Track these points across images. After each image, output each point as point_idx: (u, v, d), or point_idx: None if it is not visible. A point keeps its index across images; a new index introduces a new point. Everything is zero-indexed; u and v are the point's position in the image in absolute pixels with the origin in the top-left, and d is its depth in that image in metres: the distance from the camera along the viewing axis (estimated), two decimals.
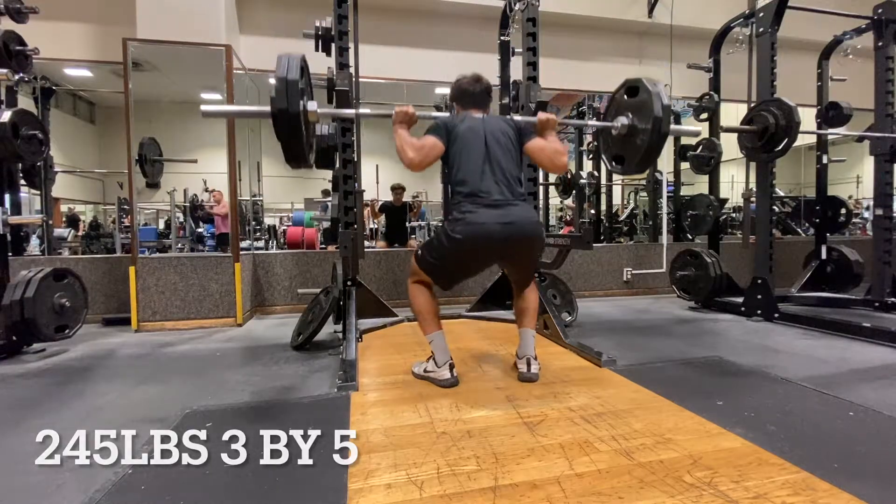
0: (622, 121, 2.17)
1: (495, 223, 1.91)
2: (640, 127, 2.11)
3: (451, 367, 2.07)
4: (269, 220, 6.69)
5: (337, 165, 3.19)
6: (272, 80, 1.77)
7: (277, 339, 3.26)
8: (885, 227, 3.84)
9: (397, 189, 5.68)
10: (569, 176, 6.42)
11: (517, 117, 2.21)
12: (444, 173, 2.17)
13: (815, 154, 4.38)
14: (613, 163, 2.34)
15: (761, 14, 3.68)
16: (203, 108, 1.90)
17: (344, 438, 1.58)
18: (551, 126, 2.13)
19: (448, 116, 2.13)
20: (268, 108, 1.74)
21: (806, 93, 4.29)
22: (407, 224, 5.78)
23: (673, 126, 2.11)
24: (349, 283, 3.06)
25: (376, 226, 6.33)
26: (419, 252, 2.12)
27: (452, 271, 2.10)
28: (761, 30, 3.66)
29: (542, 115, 2.14)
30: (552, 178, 7.10)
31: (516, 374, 2.16)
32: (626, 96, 2.20)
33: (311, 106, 1.91)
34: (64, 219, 6.16)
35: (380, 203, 5.77)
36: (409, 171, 2.14)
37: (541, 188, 6.26)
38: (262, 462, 1.45)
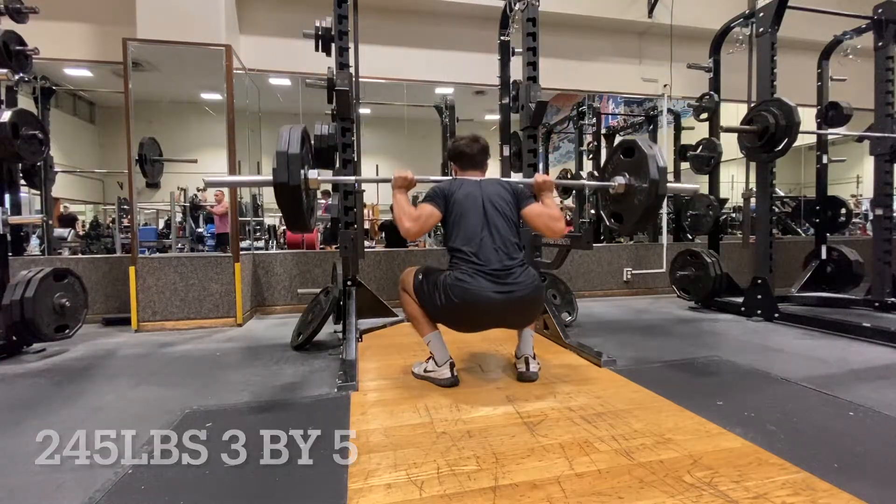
0: (619, 180, 2.20)
1: (494, 292, 1.92)
2: (637, 186, 2.14)
3: (452, 366, 2.08)
4: (269, 220, 6.68)
5: (337, 165, 3.20)
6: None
7: (277, 339, 3.26)
8: (885, 227, 3.84)
9: None
10: (569, 176, 6.41)
11: (514, 179, 2.24)
12: (443, 235, 2.18)
13: (815, 154, 4.37)
14: (612, 220, 2.37)
15: (761, 14, 3.68)
16: (205, 179, 1.99)
17: (344, 438, 1.58)
18: (548, 188, 2.15)
19: (445, 183, 2.13)
20: (270, 178, 1.79)
21: (806, 93, 4.29)
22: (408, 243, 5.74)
23: (670, 185, 2.14)
24: (349, 283, 3.06)
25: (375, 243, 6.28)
26: (419, 278, 2.10)
27: (446, 322, 2.08)
28: (761, 30, 3.65)
29: (538, 178, 2.16)
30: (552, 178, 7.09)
31: (516, 374, 2.16)
32: (622, 156, 2.23)
33: (312, 174, 1.95)
34: (56, 218, 6.12)
35: (380, 222, 5.74)
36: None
37: None
38: (262, 462, 1.45)
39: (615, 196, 2.26)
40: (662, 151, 2.15)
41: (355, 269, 3.12)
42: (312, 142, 3.20)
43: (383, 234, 5.77)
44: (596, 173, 6.27)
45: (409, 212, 2.00)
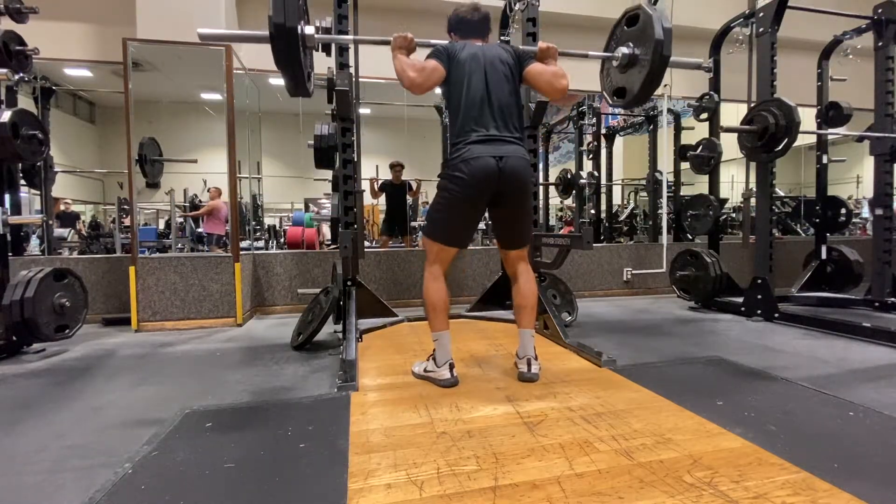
0: (622, 51, 2.13)
1: (489, 156, 1.92)
2: (641, 54, 2.07)
3: (451, 366, 2.07)
4: (269, 220, 6.69)
5: (337, 165, 3.20)
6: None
7: (277, 339, 3.26)
8: (885, 227, 3.84)
9: (396, 167, 5.53)
10: (569, 176, 6.42)
11: (518, 46, 2.18)
12: (446, 104, 2.15)
13: (815, 154, 4.38)
14: (614, 97, 2.29)
15: (761, 14, 3.68)
16: (199, 31, 1.88)
17: (344, 438, 1.58)
18: (552, 54, 2.10)
19: (448, 43, 2.09)
20: (266, 33, 1.72)
21: (806, 93, 4.29)
22: (408, 206, 5.66)
23: (673, 59, 2.05)
24: (349, 283, 3.06)
25: (376, 202, 6.20)
26: (426, 223, 2.11)
27: (458, 221, 2.05)
28: (761, 30, 3.66)
29: (542, 44, 2.12)
30: (552, 178, 7.11)
31: (516, 374, 2.16)
32: (626, 26, 2.15)
33: (309, 30, 1.88)
34: (56, 216, 6.09)
35: (380, 182, 5.65)
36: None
37: (541, 188, 6.27)
38: (261, 462, 1.45)
39: (618, 69, 2.20)
40: (667, 13, 2.06)
41: (355, 269, 3.12)
42: (312, 143, 3.21)
43: (383, 196, 5.65)
44: (596, 173, 6.29)
45: (414, 63, 1.96)
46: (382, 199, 5.69)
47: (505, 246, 2.20)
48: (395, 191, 5.54)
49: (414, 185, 5.69)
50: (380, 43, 2.11)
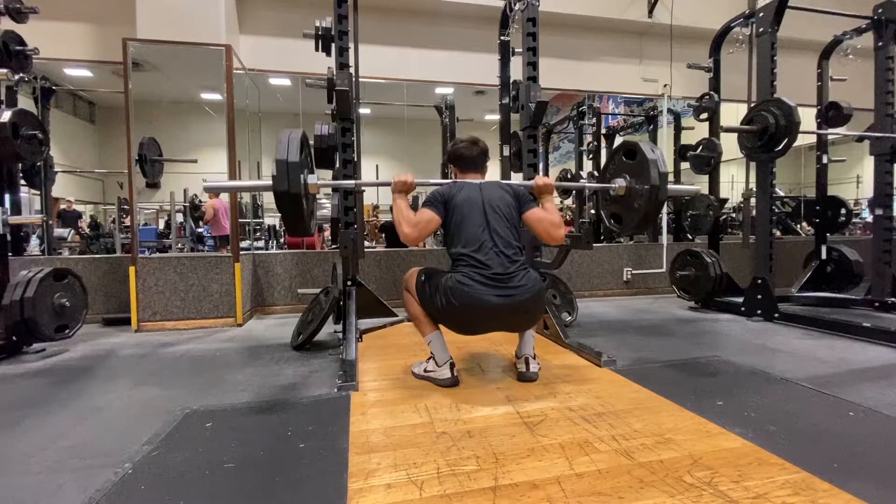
0: (620, 182, 2.19)
1: (494, 296, 1.91)
2: (637, 189, 2.13)
3: (452, 366, 2.08)
4: (269, 221, 6.68)
5: (337, 165, 3.20)
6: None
7: (277, 339, 3.26)
8: (885, 227, 3.84)
9: None
10: (569, 176, 6.42)
11: (514, 182, 2.23)
12: (444, 239, 2.18)
13: (815, 154, 4.37)
14: (611, 221, 2.36)
15: (761, 14, 3.68)
16: (205, 184, 2.00)
17: (344, 438, 1.58)
18: (549, 190, 2.15)
19: (445, 187, 2.12)
20: (269, 183, 1.80)
21: (806, 93, 4.29)
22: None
23: (671, 187, 2.13)
24: (349, 283, 3.06)
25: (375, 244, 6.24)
26: (422, 279, 2.10)
27: (448, 324, 2.08)
28: (761, 30, 3.65)
29: (539, 180, 2.16)
30: (552, 178, 7.09)
31: (516, 374, 2.16)
32: (624, 157, 2.22)
33: (311, 179, 1.96)
34: (57, 215, 6.08)
35: (380, 223, 5.73)
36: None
37: None
38: (261, 462, 1.45)
39: (615, 198, 2.26)
40: (664, 155, 2.13)
41: (355, 269, 3.12)
42: (312, 143, 3.21)
43: (384, 236, 5.76)
44: (596, 173, 6.29)
45: (409, 217, 2.00)
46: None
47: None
48: (396, 232, 5.58)
49: None
50: (380, 185, 2.23)
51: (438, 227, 2.08)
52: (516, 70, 3.36)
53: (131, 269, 3.58)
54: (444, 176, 4.85)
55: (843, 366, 2.45)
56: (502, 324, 2.05)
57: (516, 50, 3.31)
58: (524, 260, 2.07)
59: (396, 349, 2.73)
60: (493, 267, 1.94)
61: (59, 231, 5.16)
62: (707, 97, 4.41)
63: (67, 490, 1.35)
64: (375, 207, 6.67)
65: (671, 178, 5.64)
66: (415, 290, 2.11)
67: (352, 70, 3.12)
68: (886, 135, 3.76)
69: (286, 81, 5.08)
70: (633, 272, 5.04)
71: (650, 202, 2.07)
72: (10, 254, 3.04)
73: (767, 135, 3.42)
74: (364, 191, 4.00)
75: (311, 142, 3.21)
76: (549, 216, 2.08)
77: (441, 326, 2.11)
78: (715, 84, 4.47)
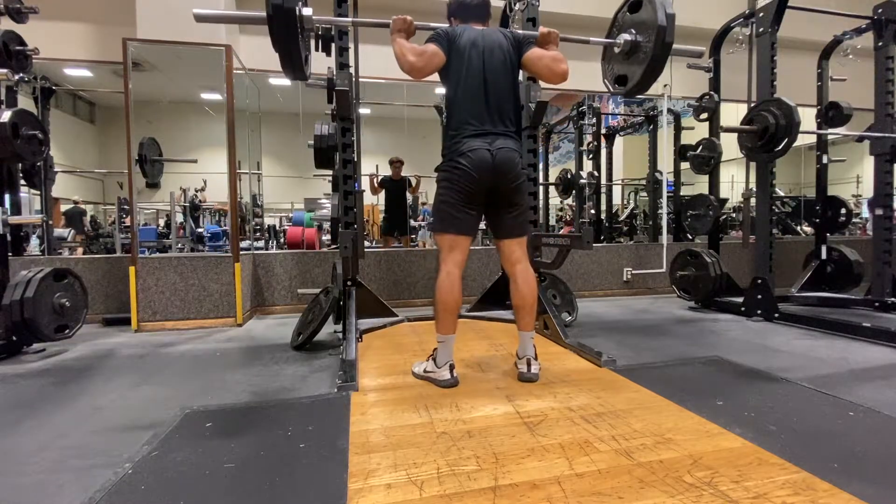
0: (624, 37, 2.11)
1: (484, 148, 1.96)
2: (643, 41, 2.05)
3: (452, 367, 2.07)
4: (269, 220, 6.68)
5: (337, 165, 3.20)
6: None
7: (277, 339, 3.26)
8: (886, 227, 3.84)
9: (396, 162, 5.49)
10: (569, 176, 6.42)
11: (518, 30, 2.17)
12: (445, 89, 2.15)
13: (815, 154, 4.38)
14: (616, 84, 2.27)
15: (761, 14, 3.68)
16: (195, 11, 1.88)
17: (344, 438, 1.58)
18: (553, 39, 2.08)
19: (448, 27, 2.08)
20: (264, 14, 1.72)
21: (806, 93, 4.29)
22: (408, 202, 5.63)
23: (675, 46, 2.03)
24: (349, 283, 3.06)
25: (376, 202, 6.21)
26: (433, 221, 2.13)
27: (463, 208, 2.03)
28: (761, 30, 3.66)
29: (543, 29, 2.10)
30: (552, 178, 7.11)
31: (516, 374, 2.16)
32: (628, 12, 2.13)
33: (307, 11, 1.87)
34: (63, 213, 6.10)
35: (380, 177, 5.65)
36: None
37: (541, 188, 6.27)
38: (261, 462, 1.45)
39: (619, 56, 2.17)
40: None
41: (355, 269, 3.12)
42: (312, 143, 3.21)
43: (383, 192, 5.63)
44: (596, 173, 6.29)
45: (413, 47, 1.95)
46: (382, 196, 5.68)
47: (500, 235, 2.15)
48: (395, 186, 5.51)
49: (413, 182, 5.67)
50: (379, 25, 2.08)
51: (442, 65, 2.02)
52: None
53: (131, 269, 3.58)
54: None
55: (843, 366, 2.46)
56: (495, 188, 2.01)
57: None
58: (516, 127, 2.09)
59: (396, 349, 2.73)
60: (483, 124, 2.00)
61: (59, 231, 5.16)
62: (707, 97, 4.41)
63: (67, 490, 1.35)
64: (374, 206, 6.65)
65: (671, 178, 5.68)
66: (435, 232, 2.11)
67: (352, 70, 3.12)
68: (886, 135, 3.76)
69: (286, 81, 5.07)
70: (633, 272, 5.04)
71: (657, 45, 1.96)
72: (10, 254, 3.04)
73: (767, 135, 3.42)
74: (364, 190, 3.99)
75: (311, 142, 3.23)
76: (549, 52, 2.04)
77: (455, 333, 2.08)
78: (715, 84, 4.47)
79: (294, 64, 1.86)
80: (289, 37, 1.76)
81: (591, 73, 5.11)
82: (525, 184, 2.15)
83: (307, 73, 2.05)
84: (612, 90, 2.33)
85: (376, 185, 5.54)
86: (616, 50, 2.16)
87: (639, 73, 2.10)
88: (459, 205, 2.03)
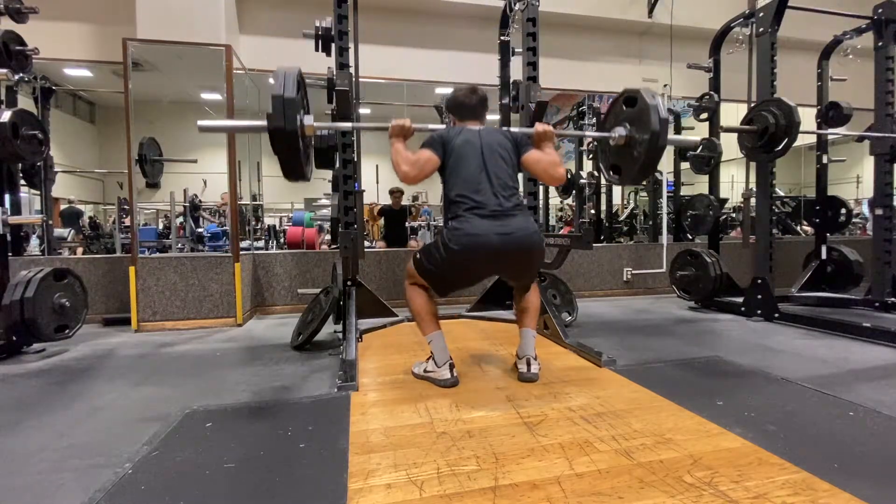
0: (620, 131, 2.16)
1: (493, 234, 1.89)
2: (637, 138, 2.10)
3: (451, 366, 2.07)
4: (269, 220, 6.68)
5: (337, 165, 3.20)
6: (271, 84, 1.77)
7: (277, 339, 3.26)
8: (886, 227, 3.84)
9: (396, 193, 5.66)
10: (569, 176, 6.41)
11: (514, 129, 2.21)
12: (442, 185, 2.16)
13: (815, 154, 4.38)
14: (611, 172, 2.33)
15: (761, 14, 3.68)
16: (200, 123, 1.90)
17: (344, 438, 1.58)
18: (549, 137, 2.12)
19: (444, 129, 2.11)
20: (264, 123, 1.75)
21: (806, 93, 4.29)
22: (406, 227, 5.76)
23: (671, 137, 2.10)
24: (349, 283, 3.06)
25: (376, 200, 6.26)
26: (417, 256, 2.11)
27: (450, 280, 2.08)
28: (761, 30, 3.66)
29: (539, 127, 2.13)
30: None
31: (516, 374, 2.16)
32: (624, 106, 2.19)
33: (308, 120, 1.91)
34: (59, 214, 6.09)
35: (379, 207, 5.78)
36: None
37: (541, 188, 6.26)
38: (261, 462, 1.45)
39: (615, 148, 2.22)
40: (664, 102, 2.10)
41: (355, 269, 3.12)
42: (312, 143, 3.21)
43: (382, 220, 5.75)
44: (596, 173, 6.28)
45: (407, 157, 1.98)
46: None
47: (516, 287, 2.22)
48: (395, 215, 5.63)
49: (414, 211, 5.78)
50: (379, 129, 2.15)
51: (436, 169, 2.04)
52: (516, 70, 3.36)
53: (131, 269, 3.58)
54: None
55: (843, 366, 2.45)
56: (501, 266, 2.02)
57: (516, 50, 3.31)
58: (523, 203, 2.05)
59: (396, 349, 2.73)
60: (490, 204, 1.93)
61: (59, 231, 5.16)
62: (707, 97, 4.41)
63: (68, 490, 1.35)
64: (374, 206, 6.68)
65: (671, 178, 5.68)
66: (413, 267, 2.10)
67: (352, 70, 3.12)
68: (886, 135, 3.76)
69: None
70: (633, 272, 5.04)
71: (650, 149, 2.02)
72: (10, 254, 3.04)
73: (767, 135, 3.41)
74: (364, 190, 3.99)
75: (312, 143, 3.22)
76: (547, 156, 2.06)
77: (441, 328, 2.11)
78: (715, 84, 4.47)
79: (295, 170, 1.89)
80: (290, 148, 1.80)
81: (591, 73, 5.13)
82: (542, 257, 2.14)
83: (308, 175, 2.08)
84: (607, 176, 2.38)
85: (376, 214, 5.62)
86: (611, 143, 2.21)
87: (633, 170, 2.16)
88: (445, 279, 2.05)
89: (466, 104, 2.17)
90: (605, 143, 2.28)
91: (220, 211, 5.56)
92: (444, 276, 2.04)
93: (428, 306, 2.11)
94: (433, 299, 2.15)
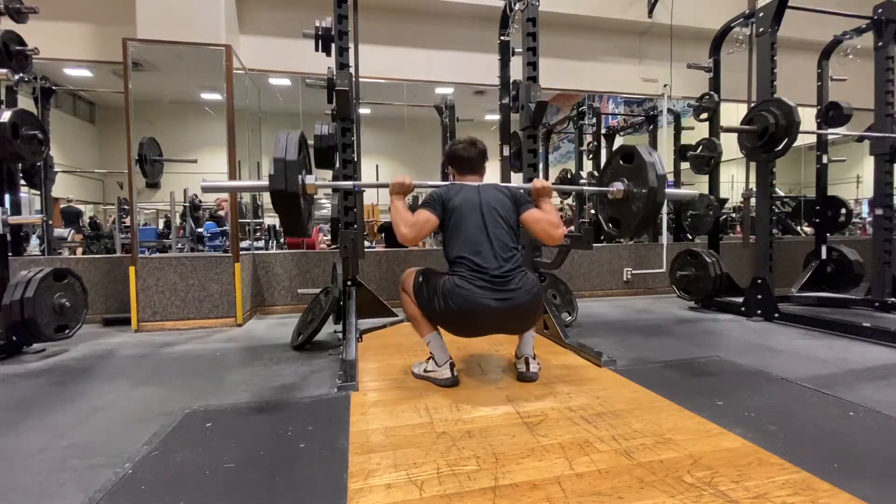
0: (618, 186, 2.20)
1: (493, 300, 1.90)
2: (636, 193, 2.14)
3: (452, 366, 2.08)
4: (269, 221, 6.68)
5: (337, 165, 3.20)
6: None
7: (277, 339, 3.26)
8: (886, 227, 3.84)
9: None
10: (569, 176, 6.42)
11: (512, 185, 2.23)
12: (442, 242, 2.18)
13: (815, 154, 4.38)
14: (610, 225, 2.36)
15: (761, 14, 3.68)
16: (203, 184, 1.96)
17: (344, 438, 1.58)
18: (547, 193, 2.15)
19: (443, 188, 2.11)
20: (267, 184, 1.79)
21: (806, 93, 4.29)
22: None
23: (669, 191, 2.14)
24: (349, 283, 3.06)
25: (377, 201, 6.27)
26: (419, 280, 2.08)
27: (446, 327, 2.07)
28: (761, 30, 3.65)
29: (537, 183, 2.16)
30: (552, 178, 7.10)
31: (516, 374, 2.16)
32: (622, 161, 2.22)
33: (310, 180, 1.95)
34: (59, 212, 6.09)
35: (380, 223, 5.78)
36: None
37: None
38: (261, 462, 1.45)
39: (613, 201, 2.27)
40: (662, 159, 2.15)
41: (355, 269, 3.12)
42: (312, 144, 3.21)
43: (383, 236, 5.79)
44: (596, 173, 6.28)
45: (406, 218, 2.00)
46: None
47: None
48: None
49: None
50: (378, 187, 2.23)
51: (436, 228, 2.07)
52: (516, 70, 3.36)
53: (131, 269, 3.58)
54: (444, 177, 4.87)
55: (843, 366, 2.46)
56: (501, 326, 2.03)
57: (516, 50, 3.31)
58: (522, 262, 2.06)
59: (396, 349, 2.73)
60: (490, 269, 1.93)
61: (59, 231, 5.15)
62: (707, 97, 4.41)
63: (68, 490, 1.35)
64: (374, 206, 6.69)
65: (671, 178, 5.68)
66: (412, 292, 2.10)
67: (352, 70, 3.12)
68: (886, 135, 3.76)
69: (286, 81, 5.07)
70: (633, 272, 5.04)
71: (648, 205, 2.07)
72: (10, 254, 3.04)
73: (767, 135, 3.42)
74: (364, 191, 4.00)
75: (311, 142, 3.23)
76: (546, 216, 2.08)
77: (439, 329, 2.11)
78: (715, 84, 4.47)
79: (296, 229, 1.94)
80: (291, 209, 1.84)
81: (591, 73, 5.13)
82: (542, 308, 2.16)
83: (308, 231, 2.12)
84: (607, 229, 2.41)
85: (376, 230, 5.63)
86: (610, 196, 2.25)
87: (632, 224, 2.21)
88: (446, 326, 2.05)
89: (466, 158, 2.18)
90: (604, 197, 2.31)
91: (218, 212, 5.56)
92: (440, 323, 2.07)
93: (421, 311, 2.10)
94: None
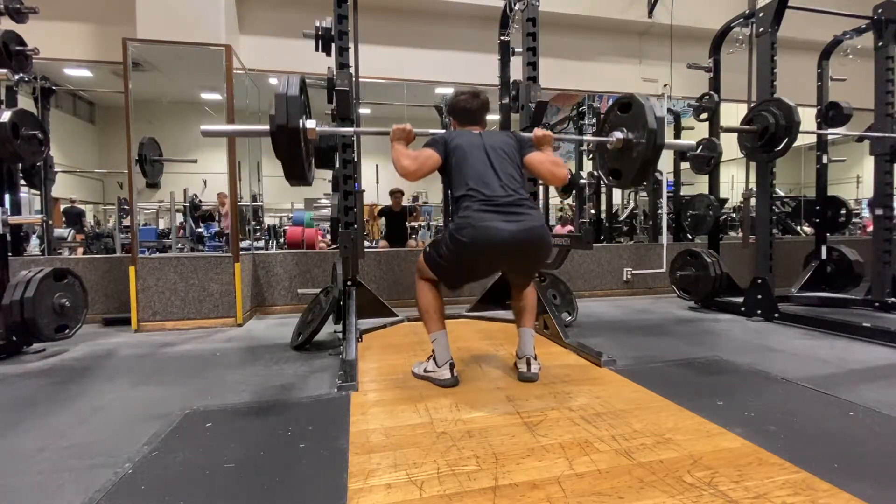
0: (617, 135, 2.20)
1: (503, 226, 1.86)
2: (634, 140, 2.13)
3: (452, 366, 2.07)
4: (269, 220, 6.68)
5: (337, 165, 3.20)
6: (273, 85, 1.80)
7: (277, 339, 3.26)
8: (886, 227, 3.84)
9: (396, 193, 5.69)
10: (569, 176, 6.41)
11: (518, 133, 2.23)
12: (446, 184, 2.17)
13: (815, 154, 4.38)
14: (610, 177, 2.35)
15: (761, 14, 3.68)
16: (203, 128, 1.93)
17: (344, 438, 1.58)
18: (548, 140, 2.15)
19: (444, 132, 2.12)
20: (267, 127, 1.77)
21: (806, 93, 4.29)
22: (406, 228, 5.79)
23: (668, 141, 2.13)
24: (349, 283, 3.05)
25: (377, 201, 6.31)
26: (427, 249, 2.12)
27: (459, 273, 2.07)
28: (761, 30, 3.65)
29: (538, 131, 2.16)
30: None
31: (516, 374, 2.16)
32: (619, 112, 2.22)
33: (311, 124, 1.93)
34: (62, 212, 6.11)
35: (379, 207, 5.80)
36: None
37: (541, 188, 6.26)
38: (261, 462, 1.45)
39: (613, 152, 2.25)
40: (659, 103, 2.15)
41: (355, 269, 3.12)
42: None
43: (383, 220, 5.79)
44: (596, 173, 6.28)
45: (408, 152, 2.01)
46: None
47: (515, 285, 2.22)
48: (395, 216, 5.65)
49: (415, 211, 5.81)
50: (380, 133, 2.17)
51: (438, 166, 2.05)
52: (516, 70, 3.35)
53: (131, 269, 3.58)
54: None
55: (843, 366, 2.45)
56: (510, 258, 1.98)
57: (516, 50, 3.30)
58: (530, 197, 2.06)
59: (396, 349, 2.73)
60: (497, 197, 1.92)
61: (59, 231, 5.16)
62: (707, 97, 4.41)
63: (67, 490, 1.35)
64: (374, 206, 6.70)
65: (671, 178, 5.68)
66: (424, 264, 2.10)
67: (352, 70, 3.12)
68: (886, 135, 3.76)
69: None
70: (633, 272, 5.04)
71: (648, 146, 2.05)
72: (10, 254, 3.04)
73: (767, 135, 3.42)
74: (364, 190, 3.99)
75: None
76: (550, 157, 2.10)
77: (446, 326, 2.11)
78: (715, 84, 4.47)
79: (298, 172, 1.92)
80: (292, 150, 1.82)
81: (591, 73, 5.13)
82: (550, 253, 2.15)
83: (310, 178, 2.10)
84: (606, 182, 2.41)
85: (375, 214, 5.64)
86: (609, 147, 2.24)
87: (632, 172, 2.19)
88: (455, 272, 2.05)
89: (468, 108, 2.18)
90: (603, 148, 2.30)
91: (216, 212, 5.55)
92: (453, 267, 2.03)
93: (435, 303, 2.10)
94: (441, 297, 2.14)
